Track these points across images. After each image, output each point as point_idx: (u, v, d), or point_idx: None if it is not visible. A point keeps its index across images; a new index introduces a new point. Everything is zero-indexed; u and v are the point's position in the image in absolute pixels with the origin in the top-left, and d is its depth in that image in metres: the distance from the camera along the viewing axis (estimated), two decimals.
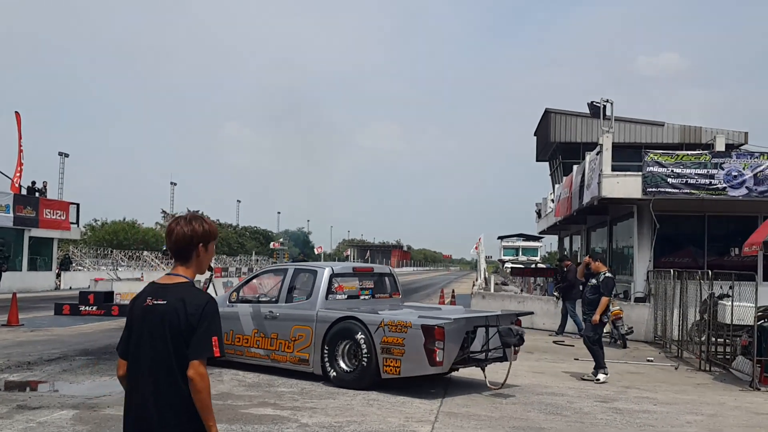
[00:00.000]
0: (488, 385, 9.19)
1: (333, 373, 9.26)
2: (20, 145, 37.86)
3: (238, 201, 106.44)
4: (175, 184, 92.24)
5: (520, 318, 9.99)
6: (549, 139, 32.04)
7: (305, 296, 10.14)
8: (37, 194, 36.86)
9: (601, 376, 10.36)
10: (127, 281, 23.45)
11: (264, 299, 10.73)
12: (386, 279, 11.42)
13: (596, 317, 10.35)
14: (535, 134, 37.25)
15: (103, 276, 28.73)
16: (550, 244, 62.26)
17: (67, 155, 74.68)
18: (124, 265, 53.22)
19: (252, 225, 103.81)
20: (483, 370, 9.39)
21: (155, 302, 3.02)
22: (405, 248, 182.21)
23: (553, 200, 29.69)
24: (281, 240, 64.75)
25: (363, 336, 9.00)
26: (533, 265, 45.84)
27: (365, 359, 8.94)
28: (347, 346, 9.28)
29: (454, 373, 10.14)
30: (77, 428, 6.60)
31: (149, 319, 3.00)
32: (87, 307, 19.22)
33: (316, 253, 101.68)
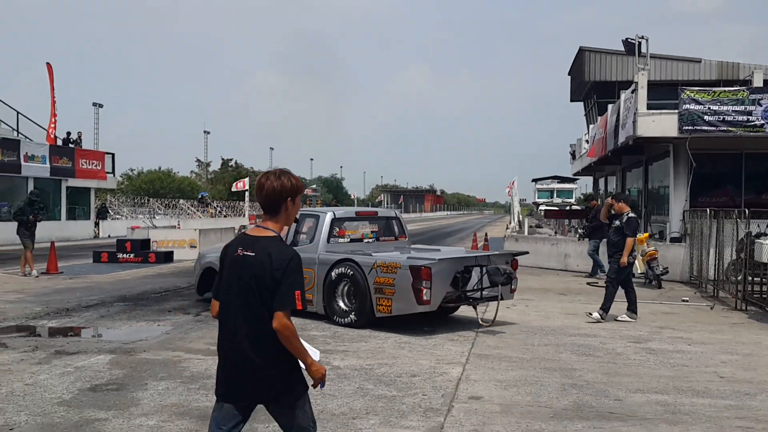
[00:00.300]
0: (480, 322, 9.57)
1: (333, 313, 9.69)
2: (53, 97, 38.14)
3: (271, 148, 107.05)
4: (209, 133, 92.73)
5: (516, 258, 10.24)
6: (583, 79, 31.34)
7: (309, 240, 10.43)
8: (72, 145, 37.29)
9: (595, 315, 10.21)
10: (163, 229, 23.76)
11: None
12: (392, 222, 11.68)
13: (624, 259, 10.11)
14: (569, 74, 36.44)
15: (139, 224, 29.13)
16: (585, 185, 61.49)
17: (101, 106, 75.18)
18: (160, 214, 53.91)
19: None
20: (475, 308, 9.72)
21: (245, 253, 3.26)
22: (438, 193, 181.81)
23: (587, 141, 29.21)
24: (314, 186, 64.94)
25: (359, 276, 9.37)
26: (568, 207, 45.43)
27: (361, 299, 9.37)
28: (345, 287, 9.68)
29: (484, 315, 10.17)
30: (113, 372, 6.74)
31: (238, 268, 3.25)
32: (124, 255, 19.56)
33: (350, 198, 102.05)
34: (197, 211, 59.65)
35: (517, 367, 7.23)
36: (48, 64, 37.87)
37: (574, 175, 39.53)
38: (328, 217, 10.54)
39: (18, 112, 36.24)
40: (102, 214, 42.21)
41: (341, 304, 9.68)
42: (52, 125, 37.77)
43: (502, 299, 9.61)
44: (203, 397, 5.86)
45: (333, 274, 9.72)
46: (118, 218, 44.54)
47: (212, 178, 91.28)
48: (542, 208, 56.45)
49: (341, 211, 11.27)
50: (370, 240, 11.10)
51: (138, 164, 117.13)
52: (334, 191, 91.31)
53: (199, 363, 7.14)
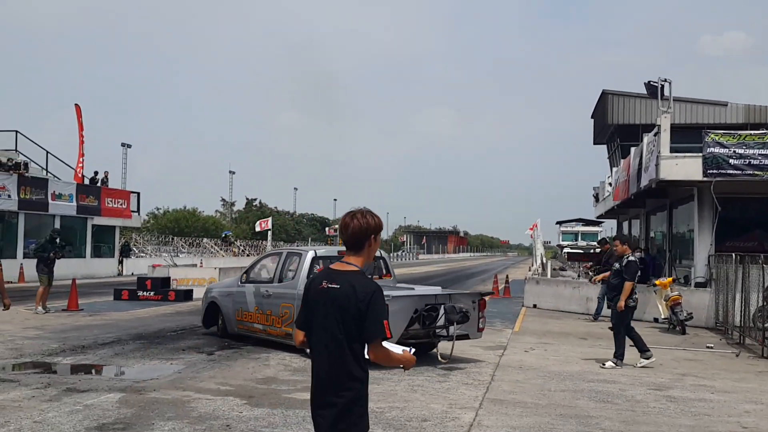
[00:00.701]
0: (439, 359, 9.82)
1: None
2: (81, 136, 38.87)
3: (295, 189, 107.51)
4: (234, 173, 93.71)
5: (484, 298, 10.49)
6: (606, 122, 31.24)
7: (292, 276, 10.95)
8: (99, 184, 37.81)
9: (609, 363, 9.98)
10: (183, 267, 23.86)
11: (265, 280, 11.65)
12: (377, 261, 11.93)
13: (621, 303, 9.90)
14: (592, 117, 36.38)
15: (160, 262, 29.30)
16: (610, 228, 61.02)
17: (129, 146, 76.50)
18: (184, 252, 54.27)
19: (309, 212, 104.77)
20: (435, 345, 10.00)
21: (329, 285, 3.45)
22: (462, 234, 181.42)
23: (611, 184, 29.01)
24: (335, 227, 65.05)
25: None
26: (592, 251, 45.00)
27: None
28: None
29: (501, 359, 10.02)
30: (122, 411, 6.68)
31: (323, 300, 3.45)
32: (145, 293, 19.63)
33: None
34: (221, 250, 59.98)
35: (531, 414, 7.05)
36: (77, 105, 38.66)
37: (598, 218, 39.22)
38: (310, 255, 11.09)
39: (47, 152, 36.91)
40: (125, 252, 42.58)
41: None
42: (80, 164, 38.42)
43: (458, 338, 9.84)
44: None
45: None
46: (142, 256, 44.89)
47: (236, 218, 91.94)
48: (567, 250, 55.96)
49: (323, 250, 11.75)
50: None
51: (164, 203, 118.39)
52: None
53: (207, 403, 7.06)
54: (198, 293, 20.24)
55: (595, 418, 6.98)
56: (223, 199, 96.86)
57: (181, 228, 72.29)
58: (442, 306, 9.70)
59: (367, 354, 3.43)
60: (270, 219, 52.98)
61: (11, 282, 27.51)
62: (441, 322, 9.70)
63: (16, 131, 36.09)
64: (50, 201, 32.17)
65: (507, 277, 27.22)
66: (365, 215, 3.55)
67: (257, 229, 59.46)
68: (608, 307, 11.06)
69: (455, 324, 9.63)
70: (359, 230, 3.51)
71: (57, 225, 32.92)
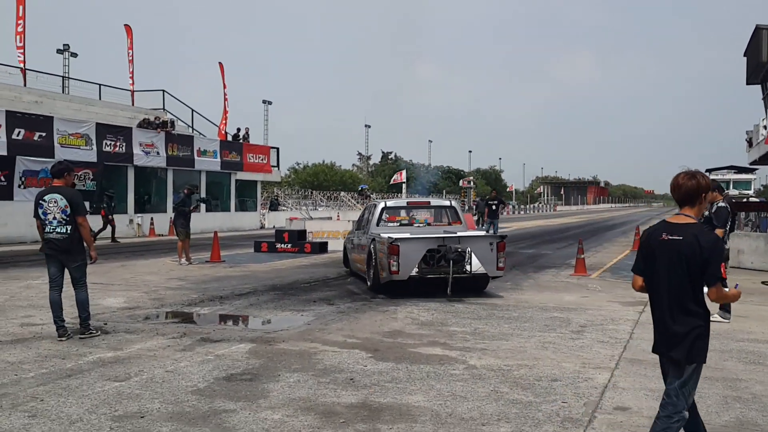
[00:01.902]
0: (448, 292, 11.06)
1: (368, 281, 12.17)
2: (225, 94, 40.34)
3: (430, 141, 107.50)
4: (369, 127, 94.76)
5: (503, 240, 11.52)
6: (761, 59, 28.74)
7: (368, 223, 13.04)
8: (240, 140, 39.21)
9: (714, 317, 9.06)
10: (319, 220, 24.34)
11: (361, 228, 13.81)
12: (445, 210, 13.65)
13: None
14: (745, 54, 33.57)
15: (297, 216, 30.09)
16: (765, 176, 56.83)
17: (270, 102, 78.89)
18: (323, 205, 55.67)
19: (444, 164, 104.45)
20: (444, 283, 11.12)
21: (670, 237, 3.90)
22: (602, 184, 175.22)
23: (765, 127, 26.78)
24: (470, 178, 64.57)
25: (372, 250, 11.78)
26: (745, 199, 42.06)
27: (373, 267, 11.68)
28: (370, 258, 11.89)
29: (641, 315, 9.49)
30: (250, 361, 6.79)
31: (665, 250, 3.89)
32: (282, 245, 20.22)
33: (507, 190, 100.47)
34: (357, 203, 61.03)
35: None
36: (220, 63, 40.06)
37: (751, 164, 36.52)
38: (381, 206, 13.17)
39: (193, 110, 38.63)
40: (273, 206, 44.19)
41: (371, 272, 11.87)
42: (224, 122, 39.98)
43: (478, 276, 11.36)
44: (331, 392, 5.75)
45: (370, 248, 11.91)
46: (283, 209, 46.38)
47: (372, 171, 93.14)
48: None
49: (392, 202, 13.72)
50: (421, 225, 13.03)
51: (304, 158, 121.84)
52: (492, 183, 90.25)
53: (333, 356, 7.06)
54: (332, 245, 20.66)
55: (744, 381, 6.40)
56: (359, 153, 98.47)
57: (320, 182, 74.15)
58: (444, 247, 11.05)
59: (707, 294, 3.89)
60: (404, 172, 53.24)
61: (162, 235, 29.25)
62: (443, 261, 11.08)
63: (164, 90, 37.97)
64: (196, 157, 33.74)
65: None
66: (694, 176, 3.96)
67: (392, 182, 60.05)
68: None
69: (451, 262, 10.99)
70: (691, 189, 3.93)
71: (203, 180, 34.62)
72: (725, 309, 9.50)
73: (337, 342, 7.78)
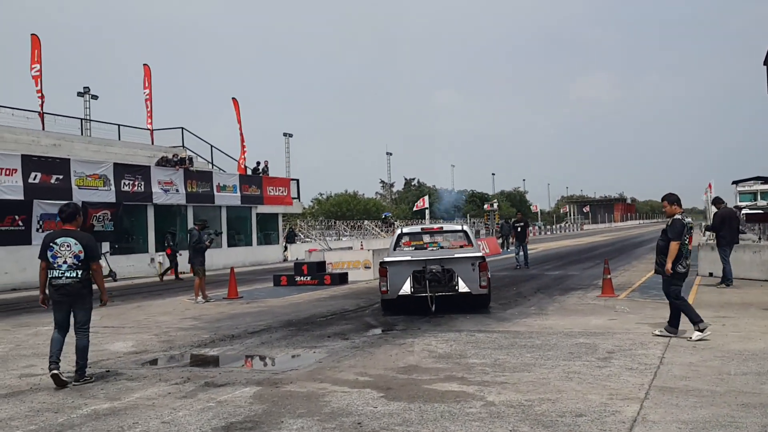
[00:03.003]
0: (432, 308, 12.15)
1: None
2: (240, 130, 40.39)
3: (452, 166, 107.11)
4: (391, 155, 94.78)
5: (485, 261, 12.37)
6: None
7: (389, 250, 13.95)
8: (260, 173, 39.13)
9: (695, 335, 8.99)
10: (338, 251, 23.96)
11: None
12: (458, 234, 14.46)
13: (668, 266, 9.06)
14: (765, 63, 32.83)
15: (316, 247, 29.77)
16: None
17: (291, 135, 79.19)
18: (347, 235, 55.35)
19: (467, 188, 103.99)
20: (430, 300, 12.15)
21: None
22: (629, 201, 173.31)
23: None
24: (495, 201, 63.97)
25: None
26: None
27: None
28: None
29: (672, 338, 8.97)
30: (253, 407, 6.38)
31: None
32: (302, 278, 19.89)
33: (532, 211, 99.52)
34: (381, 231, 60.65)
35: (707, 404, 6.03)
36: (234, 99, 40.16)
37: None
38: (398, 232, 14.44)
39: (212, 146, 38.71)
40: (290, 238, 43.93)
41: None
42: (242, 156, 39.99)
43: (462, 294, 12.26)
44: None
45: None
46: (307, 241, 46.08)
47: (396, 198, 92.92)
48: (745, 211, 51.54)
49: (408, 228, 14.82)
50: (435, 248, 13.84)
51: (327, 189, 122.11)
52: (517, 205, 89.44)
53: (342, 397, 6.63)
54: (353, 276, 20.28)
55: None
56: (382, 181, 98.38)
57: (344, 212, 74.04)
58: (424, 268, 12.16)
59: None
60: (426, 198, 52.83)
61: (184, 272, 29.03)
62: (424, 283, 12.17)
63: (182, 128, 38.07)
64: (216, 193, 33.66)
65: None
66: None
67: (415, 208, 59.65)
68: None
69: (427, 282, 12.10)
70: None
71: (224, 215, 34.50)
72: (694, 321, 9.20)
73: (347, 381, 7.34)
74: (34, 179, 24.49)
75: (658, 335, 9.38)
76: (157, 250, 30.13)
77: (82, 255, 7.62)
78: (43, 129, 30.86)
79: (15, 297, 19.73)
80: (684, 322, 9.30)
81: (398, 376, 7.53)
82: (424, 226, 15.51)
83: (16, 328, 12.81)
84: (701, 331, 9.06)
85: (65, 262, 7.59)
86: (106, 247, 26.82)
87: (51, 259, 7.62)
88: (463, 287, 12.19)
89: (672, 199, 9.61)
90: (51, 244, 7.64)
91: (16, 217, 23.65)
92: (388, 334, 10.45)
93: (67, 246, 7.61)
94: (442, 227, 15.16)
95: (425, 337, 9.95)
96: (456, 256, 12.73)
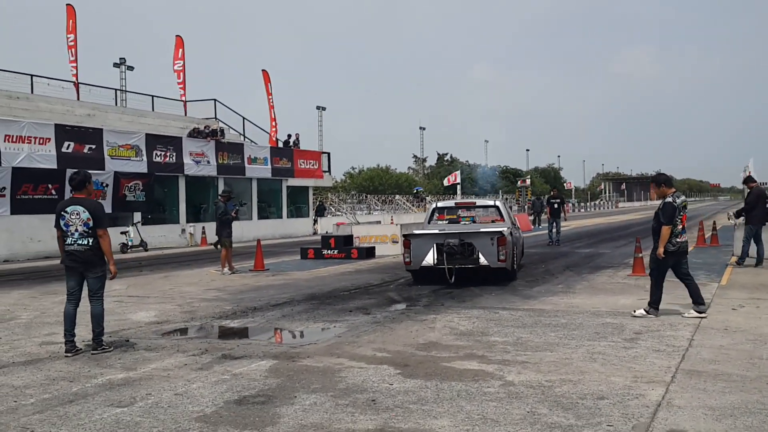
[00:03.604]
0: (450, 280, 12.63)
1: None
2: (270, 102, 40.29)
3: (486, 141, 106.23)
4: (424, 129, 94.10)
5: (503, 236, 12.67)
6: None
7: (424, 223, 15.22)
8: (291, 146, 39.05)
9: (640, 311, 9.22)
10: (366, 225, 23.86)
11: None
12: (490, 209, 15.21)
13: (660, 250, 8.98)
14: None
15: (344, 220, 29.67)
16: None
17: (324, 108, 79.05)
18: (378, 209, 55.27)
19: (501, 164, 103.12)
20: (448, 274, 12.65)
21: None
22: None
23: None
24: (527, 178, 63.31)
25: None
26: None
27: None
28: None
29: (705, 320, 8.68)
30: (268, 381, 6.28)
31: None
32: (329, 251, 19.83)
33: (566, 188, 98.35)
34: (412, 206, 60.45)
35: (737, 389, 5.78)
36: (264, 71, 40.02)
37: None
38: (433, 206, 15.57)
39: (244, 118, 38.70)
40: (320, 211, 43.95)
41: None
42: (274, 129, 39.94)
43: (478, 267, 12.69)
44: (348, 417, 5.19)
45: None
46: (338, 215, 46.05)
47: (428, 173, 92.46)
48: None
49: (443, 203, 15.81)
50: (467, 222, 14.73)
51: (360, 162, 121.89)
52: (551, 181, 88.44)
53: (358, 373, 6.50)
54: (380, 250, 20.16)
55: None
56: (414, 156, 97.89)
57: (376, 186, 73.85)
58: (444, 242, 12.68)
59: None
60: (458, 173, 52.48)
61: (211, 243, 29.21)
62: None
63: (215, 100, 38.10)
64: (246, 165, 33.69)
65: (714, 223, 24.61)
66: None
67: (446, 183, 59.33)
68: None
69: (445, 254, 12.60)
70: None
71: (254, 187, 34.57)
72: (652, 302, 9.32)
73: (365, 357, 7.22)
74: (68, 148, 24.71)
75: (687, 317, 9.10)
76: (188, 221, 30.34)
77: (90, 222, 7.61)
78: (78, 99, 31.13)
79: (47, 264, 19.96)
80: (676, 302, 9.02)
81: (417, 352, 7.38)
82: (457, 201, 16.22)
83: (44, 296, 12.93)
84: (644, 311, 9.25)
85: (77, 230, 7.61)
86: (137, 217, 27.09)
87: (64, 228, 7.64)
88: (483, 260, 12.64)
89: (660, 180, 9.48)
90: (62, 212, 7.67)
91: (50, 185, 23.84)
92: (411, 310, 10.31)
93: (77, 214, 7.61)
94: (475, 202, 15.84)
95: (448, 314, 9.79)
96: (475, 230, 13.36)
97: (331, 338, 8.28)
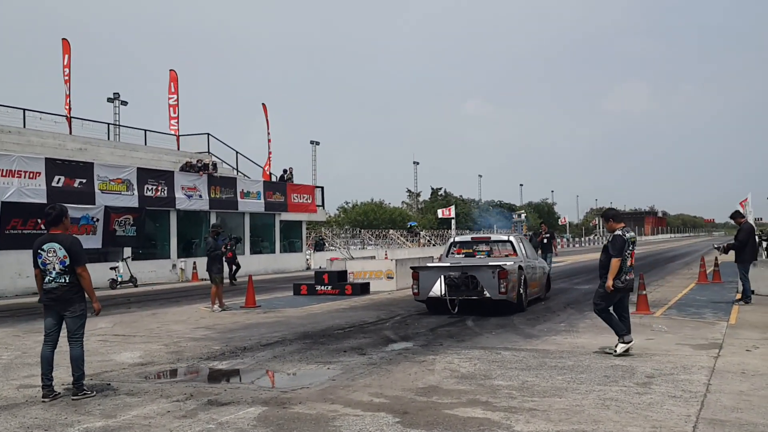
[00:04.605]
0: (453, 311, 13.42)
1: None
2: (269, 135, 40.11)
3: (479, 176, 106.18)
4: (418, 164, 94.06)
5: (505, 270, 13.29)
6: None
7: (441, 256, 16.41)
8: (285, 180, 38.69)
9: (620, 347, 8.94)
10: (360, 260, 23.36)
11: None
12: (504, 244, 16.03)
13: (609, 282, 8.82)
14: None
15: (338, 256, 29.21)
16: None
17: (317, 143, 78.95)
18: (371, 244, 54.79)
19: (495, 199, 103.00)
20: (450, 305, 13.45)
21: None
22: (660, 214, 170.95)
23: None
24: (522, 212, 63.03)
25: None
26: None
27: None
28: None
29: (717, 361, 8.24)
30: (256, 431, 5.80)
31: None
32: (322, 287, 19.34)
33: (560, 223, 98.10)
34: (407, 240, 60.00)
35: None
36: (263, 104, 39.88)
37: None
38: (450, 241, 16.86)
39: (237, 152, 38.36)
40: (319, 246, 43.47)
41: None
42: (268, 163, 39.65)
43: (484, 299, 13.40)
44: None
45: None
46: (331, 249, 45.55)
47: (422, 208, 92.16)
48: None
49: (460, 238, 17.18)
50: (483, 256, 15.58)
51: (353, 197, 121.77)
52: (544, 216, 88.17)
53: (354, 421, 6.02)
54: (375, 286, 19.68)
55: None
56: (408, 190, 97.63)
57: (370, 220, 73.41)
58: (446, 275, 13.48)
59: None
60: (453, 207, 52.18)
61: (204, 279, 28.65)
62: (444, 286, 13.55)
63: (208, 134, 37.79)
64: (239, 199, 33.28)
65: (716, 259, 24.24)
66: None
67: (439, 215, 58.99)
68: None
69: (448, 287, 13.41)
70: None
71: (247, 222, 34.12)
72: (619, 335, 9.08)
73: (361, 403, 6.73)
74: (58, 183, 24.26)
75: (619, 353, 8.95)
76: (179, 256, 29.80)
77: (67, 260, 7.18)
78: (71, 133, 30.76)
79: (35, 301, 19.39)
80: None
81: (417, 398, 6.90)
82: (474, 236, 17.64)
83: (27, 334, 12.41)
84: (626, 343, 8.98)
85: (54, 269, 7.17)
86: (127, 252, 26.57)
87: (42, 266, 7.21)
88: (486, 293, 13.31)
89: (608, 215, 9.47)
90: (39, 251, 7.25)
91: (39, 220, 23.29)
92: (408, 350, 9.82)
93: (53, 252, 7.19)
94: (489, 237, 17.14)
95: (447, 354, 9.31)
96: (477, 264, 14.29)
97: (324, 381, 7.79)
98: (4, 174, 22.61)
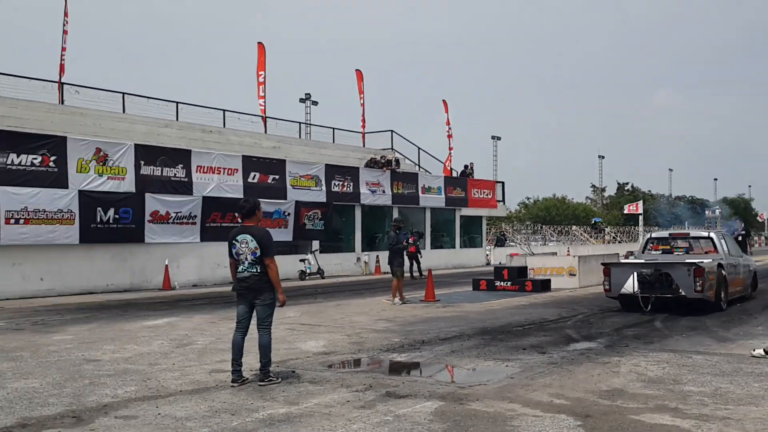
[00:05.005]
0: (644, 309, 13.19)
1: None
2: (449, 131, 40.42)
3: (670, 170, 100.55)
4: (603, 158, 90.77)
5: (700, 267, 12.77)
6: None
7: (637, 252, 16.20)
8: (466, 175, 38.78)
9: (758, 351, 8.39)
10: (541, 256, 22.90)
11: None
12: (702, 240, 15.35)
13: None
14: None
15: (518, 251, 28.78)
16: None
17: (499, 138, 78.54)
18: (553, 240, 53.63)
19: (686, 194, 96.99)
20: (643, 302, 13.21)
21: None
22: None
23: None
24: (717, 208, 58.73)
25: None
26: None
27: None
28: None
29: None
30: (433, 426, 5.82)
31: None
32: (501, 283, 19.17)
33: (759, 220, 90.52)
34: (590, 237, 58.06)
35: None
36: (444, 101, 40.18)
37: None
38: (647, 237, 16.57)
39: (419, 148, 39.00)
40: (500, 242, 43.23)
41: None
42: (449, 158, 39.95)
43: (675, 297, 12.99)
44: None
45: None
46: (512, 245, 45.07)
47: (607, 203, 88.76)
48: None
49: (657, 233, 16.71)
50: (681, 252, 15.06)
51: (534, 192, 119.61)
52: (741, 212, 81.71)
53: (533, 422, 5.88)
54: (556, 283, 19.21)
55: None
56: (593, 185, 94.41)
57: (552, 216, 71.85)
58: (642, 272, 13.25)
59: None
60: (640, 202, 49.75)
61: (386, 273, 29.39)
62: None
63: (392, 131, 38.72)
64: (420, 194, 33.76)
65: None
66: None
67: (625, 211, 56.43)
68: None
69: (641, 284, 13.18)
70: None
71: (428, 217, 34.57)
72: None
73: (540, 403, 6.57)
74: (253, 179, 25.86)
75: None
76: (363, 250, 30.77)
77: (258, 251, 7.58)
78: (265, 132, 32.71)
79: (228, 290, 20.82)
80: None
81: (600, 401, 6.63)
82: (672, 232, 17.04)
83: (222, 321, 13.31)
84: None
85: (246, 259, 7.62)
86: (316, 245, 27.82)
87: (236, 256, 7.68)
88: (681, 291, 12.90)
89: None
90: (233, 241, 7.72)
91: (236, 214, 25.02)
92: (591, 350, 9.47)
93: (246, 243, 7.62)
94: (688, 233, 16.57)
95: (633, 356, 8.88)
96: (672, 261, 13.80)
97: (502, 379, 7.70)
98: (205, 170, 24.44)
